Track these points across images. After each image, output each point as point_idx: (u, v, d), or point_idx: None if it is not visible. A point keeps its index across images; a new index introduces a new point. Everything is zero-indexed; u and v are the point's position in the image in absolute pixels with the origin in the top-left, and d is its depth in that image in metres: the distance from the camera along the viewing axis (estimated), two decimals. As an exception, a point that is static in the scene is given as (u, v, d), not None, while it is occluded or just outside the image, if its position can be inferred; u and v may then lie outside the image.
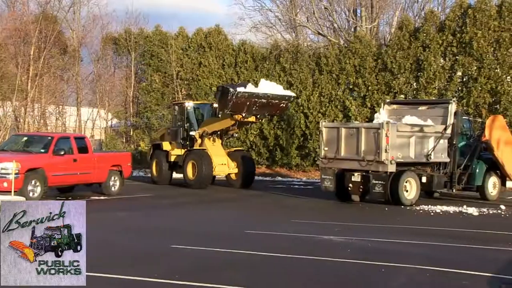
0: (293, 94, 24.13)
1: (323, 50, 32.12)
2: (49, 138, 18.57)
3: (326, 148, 18.95)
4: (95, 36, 38.74)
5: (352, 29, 35.35)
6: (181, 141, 24.25)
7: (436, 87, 28.04)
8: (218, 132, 23.95)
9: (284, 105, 23.00)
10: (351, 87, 30.07)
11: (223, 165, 23.61)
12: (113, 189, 19.95)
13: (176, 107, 25.58)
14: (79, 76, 36.99)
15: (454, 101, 19.84)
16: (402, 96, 28.43)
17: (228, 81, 32.86)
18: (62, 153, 17.87)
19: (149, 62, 35.84)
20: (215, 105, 24.66)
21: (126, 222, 14.32)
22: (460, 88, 28.04)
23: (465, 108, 25.92)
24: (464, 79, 28.09)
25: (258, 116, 22.66)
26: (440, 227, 13.98)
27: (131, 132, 36.32)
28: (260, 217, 16.08)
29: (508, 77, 26.79)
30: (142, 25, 38.86)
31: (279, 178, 29.17)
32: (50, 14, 36.03)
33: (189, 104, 25.30)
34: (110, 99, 37.92)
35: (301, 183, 27.36)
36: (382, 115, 19.83)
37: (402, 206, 17.67)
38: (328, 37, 33.33)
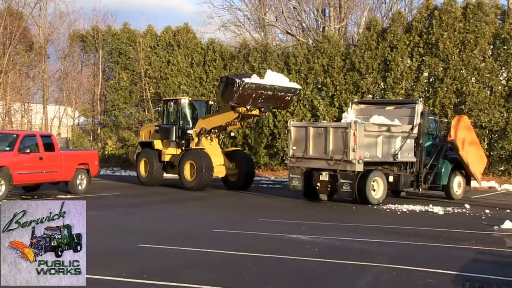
0: (299, 87, 23.08)
1: (292, 49, 32.25)
2: (15, 135, 18.24)
3: (294, 147, 19.02)
4: (62, 33, 38.28)
5: (321, 29, 35.55)
6: (176, 139, 22.92)
7: (403, 87, 28.37)
8: (216, 130, 22.84)
9: (289, 98, 21.80)
10: (319, 86, 30.23)
11: (221, 166, 22.51)
12: (80, 187, 19.74)
13: (172, 103, 23.85)
14: (46, 73, 36.50)
15: (420, 101, 20.08)
16: (370, 96, 28.75)
17: (197, 79, 32.81)
18: (28, 151, 17.61)
19: (117, 60, 35.52)
20: (211, 102, 24.23)
21: (93, 221, 14.06)
22: (426, 88, 28.42)
23: (431, 108, 26.29)
24: (431, 80, 28.50)
25: (262, 109, 21.48)
26: (407, 226, 14.15)
27: (99, 131, 35.99)
28: (229, 216, 16.07)
29: (473, 78, 27.23)
30: (110, 23, 38.57)
31: (248, 177, 29.14)
32: (15, 10, 35.47)
33: (185, 101, 23.80)
34: (77, 97, 37.46)
35: (269, 182, 27.39)
36: (350, 115, 19.97)
37: (370, 205, 17.83)
38: (297, 37, 33.45)
